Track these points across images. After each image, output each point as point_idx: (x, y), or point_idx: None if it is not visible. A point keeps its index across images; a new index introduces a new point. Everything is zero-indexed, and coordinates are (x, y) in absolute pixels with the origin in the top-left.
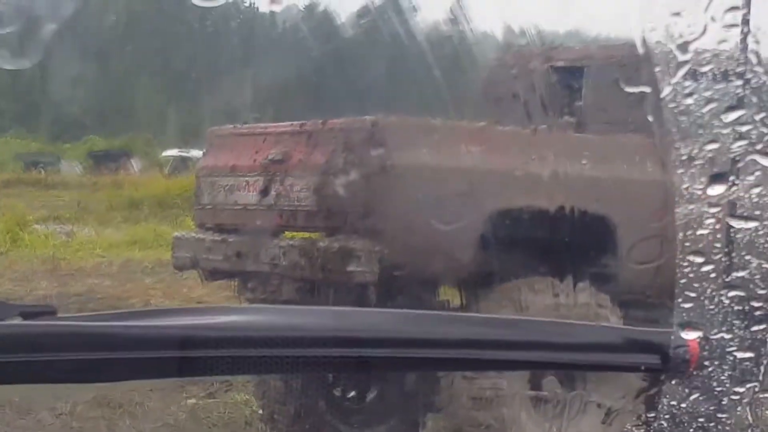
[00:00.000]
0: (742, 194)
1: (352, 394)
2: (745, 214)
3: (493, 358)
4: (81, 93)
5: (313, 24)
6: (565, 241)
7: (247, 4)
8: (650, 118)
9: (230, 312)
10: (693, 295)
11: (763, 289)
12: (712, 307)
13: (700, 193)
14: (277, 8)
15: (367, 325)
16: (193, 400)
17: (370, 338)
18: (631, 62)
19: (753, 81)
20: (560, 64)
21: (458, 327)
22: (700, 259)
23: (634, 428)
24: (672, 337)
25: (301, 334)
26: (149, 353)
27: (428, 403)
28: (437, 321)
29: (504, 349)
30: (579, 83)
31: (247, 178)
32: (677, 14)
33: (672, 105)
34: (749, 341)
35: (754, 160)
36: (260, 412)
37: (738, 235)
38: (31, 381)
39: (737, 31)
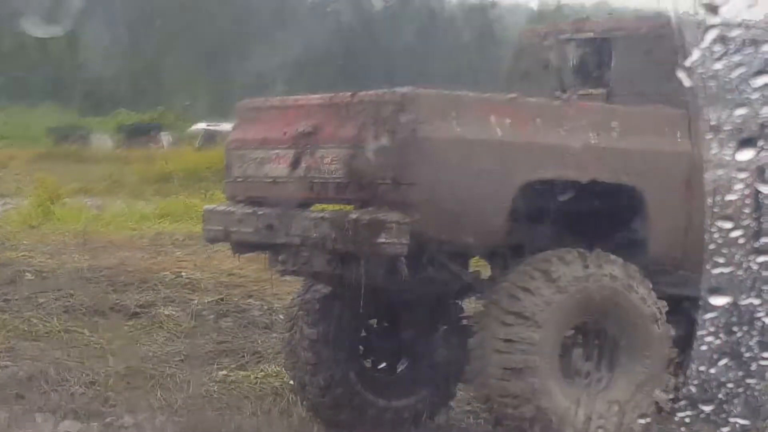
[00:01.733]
0: None
1: (383, 365)
2: None
3: None
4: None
5: None
6: (595, 212)
7: None
8: (679, 87)
9: None
10: (722, 260)
11: None
12: (741, 272)
13: (728, 158)
14: None
15: None
16: (224, 372)
17: None
18: (660, 33)
19: None
20: (589, 35)
21: None
22: (729, 225)
23: (662, 395)
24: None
25: None
26: None
27: (459, 374)
28: None
29: None
30: (608, 54)
31: (277, 151)
32: None
33: (701, 70)
34: None
35: None
36: (291, 383)
37: (767, 201)
38: None
39: None
